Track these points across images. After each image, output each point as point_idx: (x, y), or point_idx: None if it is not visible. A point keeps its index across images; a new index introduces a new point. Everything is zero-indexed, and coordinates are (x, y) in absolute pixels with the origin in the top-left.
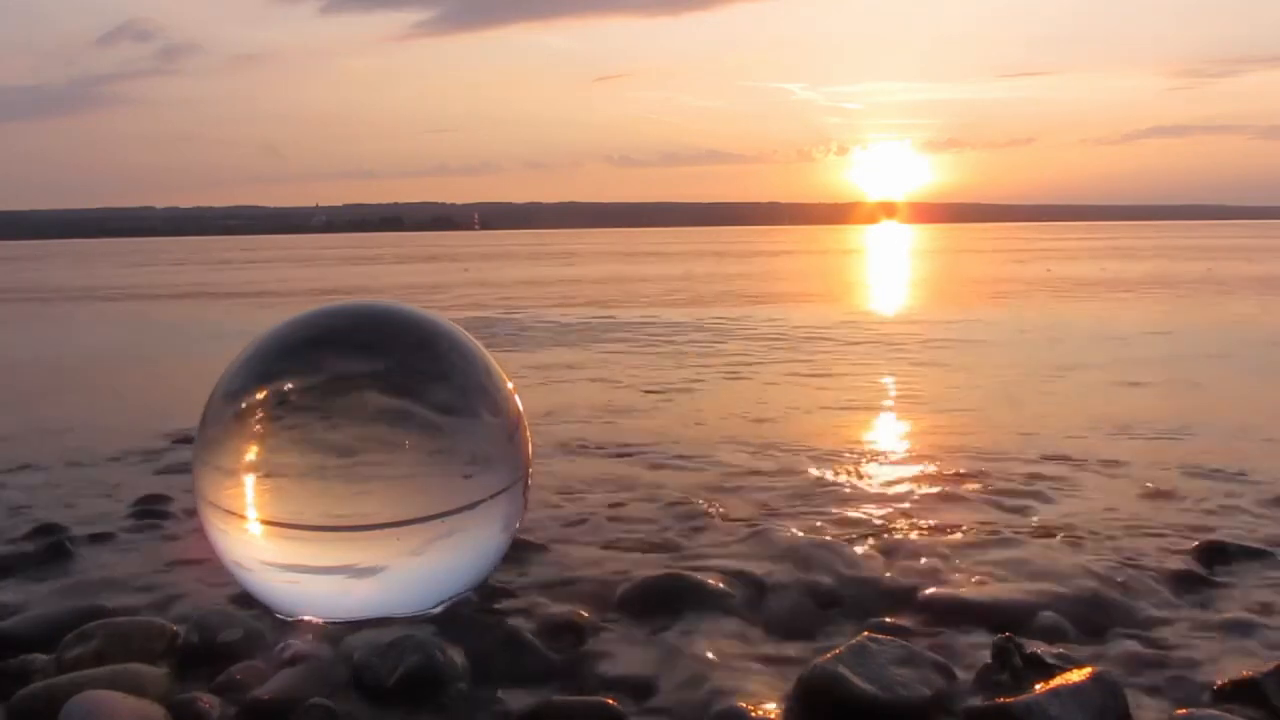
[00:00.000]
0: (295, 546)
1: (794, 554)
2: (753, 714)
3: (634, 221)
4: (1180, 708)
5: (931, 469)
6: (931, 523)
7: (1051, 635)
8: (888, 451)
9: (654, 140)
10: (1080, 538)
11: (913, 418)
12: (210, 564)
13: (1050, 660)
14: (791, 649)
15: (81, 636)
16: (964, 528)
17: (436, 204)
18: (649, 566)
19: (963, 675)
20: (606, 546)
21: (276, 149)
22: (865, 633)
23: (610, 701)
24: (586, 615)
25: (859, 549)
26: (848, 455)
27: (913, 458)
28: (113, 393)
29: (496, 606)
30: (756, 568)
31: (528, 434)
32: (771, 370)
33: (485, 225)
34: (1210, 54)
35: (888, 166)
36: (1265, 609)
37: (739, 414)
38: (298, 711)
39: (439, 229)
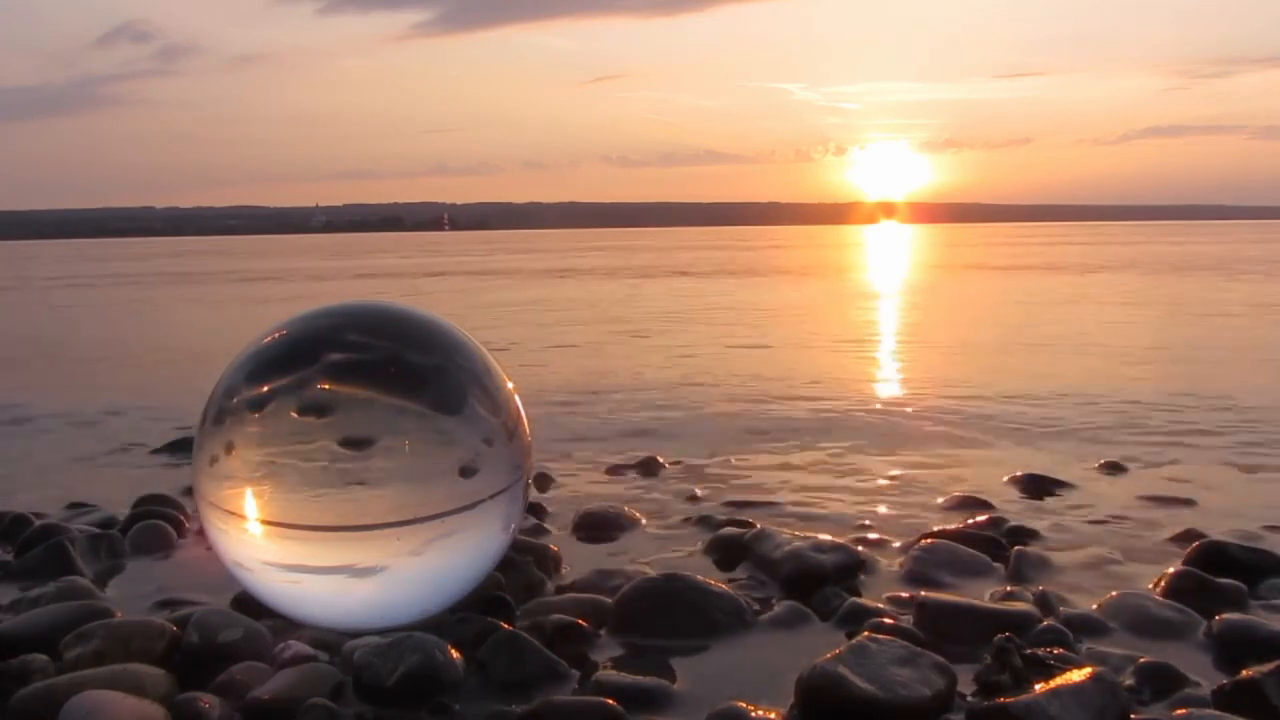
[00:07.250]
0: (295, 546)
1: None
2: (752, 714)
3: (633, 221)
4: (1180, 708)
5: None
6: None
7: (1051, 636)
8: None
9: (652, 140)
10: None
11: None
12: (210, 564)
13: (1050, 660)
14: (791, 648)
15: (81, 636)
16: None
17: (437, 204)
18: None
19: (963, 675)
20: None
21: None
22: (865, 633)
23: (610, 702)
24: (587, 616)
25: None
26: None
27: None
28: (113, 391)
29: (496, 606)
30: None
31: (528, 433)
32: None
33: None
34: (1206, 54)
35: (886, 166)
36: (1266, 610)
37: None
38: (298, 711)
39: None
